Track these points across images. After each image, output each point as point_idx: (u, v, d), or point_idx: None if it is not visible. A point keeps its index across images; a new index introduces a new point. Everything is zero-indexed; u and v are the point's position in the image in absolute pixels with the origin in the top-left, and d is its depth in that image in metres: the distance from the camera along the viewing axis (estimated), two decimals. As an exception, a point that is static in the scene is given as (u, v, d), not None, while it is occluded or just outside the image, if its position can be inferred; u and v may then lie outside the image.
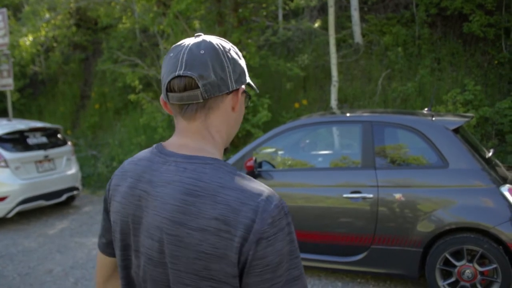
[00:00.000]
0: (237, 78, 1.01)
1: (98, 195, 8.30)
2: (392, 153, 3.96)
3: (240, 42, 8.20)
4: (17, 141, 6.47)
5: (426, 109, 4.49)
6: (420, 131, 3.72)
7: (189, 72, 0.96)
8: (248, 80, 1.08)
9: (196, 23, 9.26)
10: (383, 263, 3.79)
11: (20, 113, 12.12)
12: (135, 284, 1.06)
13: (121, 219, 1.04)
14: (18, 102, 11.97)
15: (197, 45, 0.99)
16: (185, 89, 0.97)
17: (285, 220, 0.92)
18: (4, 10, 9.38)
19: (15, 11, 11.99)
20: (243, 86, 1.05)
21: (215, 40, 1.02)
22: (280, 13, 10.79)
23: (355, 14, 9.23)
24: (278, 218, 0.90)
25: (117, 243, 1.07)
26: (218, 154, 1.03)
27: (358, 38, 9.36)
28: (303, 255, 4.05)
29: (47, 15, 9.92)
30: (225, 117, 1.04)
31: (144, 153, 1.08)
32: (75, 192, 7.10)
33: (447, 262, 3.58)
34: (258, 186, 0.95)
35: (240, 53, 1.07)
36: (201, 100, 0.98)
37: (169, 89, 0.99)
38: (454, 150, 3.61)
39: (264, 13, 8.88)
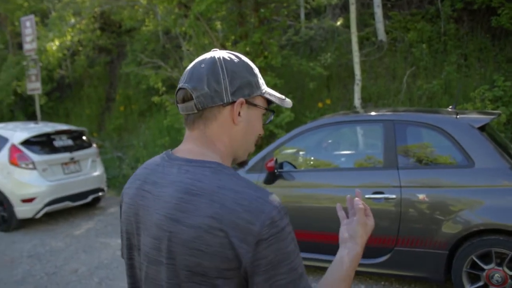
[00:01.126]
0: (234, 90, 1.04)
1: (123, 196, 8.41)
2: (415, 153, 3.86)
3: (262, 42, 8.18)
4: (44, 143, 6.62)
5: (450, 107, 4.36)
6: (444, 129, 3.62)
7: (186, 85, 1.04)
8: (262, 93, 1.09)
9: (218, 24, 9.27)
10: (407, 265, 3.70)
11: (48, 116, 12.42)
12: (140, 283, 1.11)
13: (127, 219, 1.11)
14: (46, 105, 12.26)
15: (202, 59, 1.07)
16: (183, 100, 1.05)
17: (285, 220, 0.93)
18: (32, 16, 9.63)
19: (43, 18, 12.28)
20: (241, 99, 1.05)
21: (224, 54, 1.07)
22: (302, 12, 10.72)
23: (378, 11, 9.08)
24: (277, 219, 0.91)
25: (124, 242, 1.13)
26: (220, 160, 1.06)
27: (381, 35, 9.21)
28: (323, 257, 4.00)
29: (73, 20, 10.12)
30: (226, 128, 1.06)
31: (155, 158, 1.14)
32: (100, 194, 7.22)
33: (474, 265, 3.47)
34: (257, 188, 0.96)
35: (252, 67, 1.09)
36: (196, 111, 1.04)
37: (176, 100, 1.09)
38: (480, 149, 3.49)
39: (286, 13, 8.82)
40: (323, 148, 4.85)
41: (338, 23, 9.84)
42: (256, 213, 0.90)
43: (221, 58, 1.05)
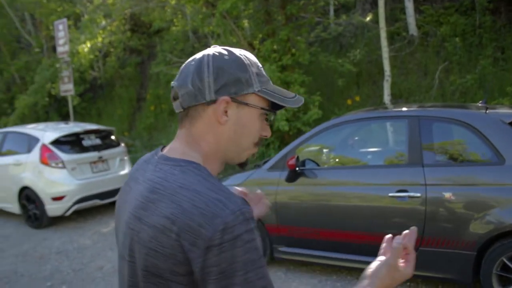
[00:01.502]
0: (218, 88, 0.97)
1: (151, 194, 8.51)
2: (441, 150, 3.69)
3: (289, 39, 8.09)
4: (73, 143, 6.76)
5: (480, 101, 4.16)
6: (472, 125, 3.44)
7: (174, 83, 1.02)
8: (255, 90, 1.00)
9: (245, 23, 9.25)
10: (433, 267, 3.54)
11: (81, 117, 12.75)
12: None
13: (115, 213, 1.13)
14: (79, 106, 12.58)
15: (195, 57, 1.03)
16: (173, 98, 1.03)
17: (243, 227, 0.85)
18: (64, 20, 9.89)
19: (76, 21, 12.61)
20: (225, 97, 0.98)
21: (216, 50, 1.02)
22: (331, 8, 10.56)
23: (409, 5, 8.82)
24: (232, 225, 0.84)
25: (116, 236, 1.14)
26: (201, 160, 1.00)
27: (413, 30, 8.94)
28: (347, 256, 3.89)
29: (103, 22, 10.33)
30: (211, 128, 1.00)
31: (147, 154, 1.13)
32: (128, 192, 7.30)
33: (505, 268, 3.28)
34: (221, 191, 0.90)
35: (244, 63, 1.00)
36: (182, 109, 1.01)
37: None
38: (511, 145, 3.30)
39: (313, 9, 8.69)
40: (349, 145, 4.73)
41: (368, 18, 9.63)
42: (211, 217, 0.84)
43: (210, 54, 1.00)
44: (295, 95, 1.07)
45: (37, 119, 12.36)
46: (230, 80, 0.98)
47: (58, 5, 12.04)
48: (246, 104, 1.00)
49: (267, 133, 1.05)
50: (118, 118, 12.34)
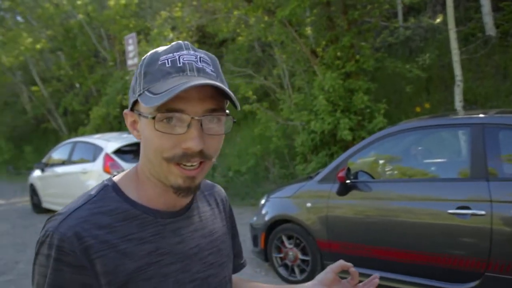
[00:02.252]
0: (131, 95, 0.88)
1: (212, 203, 8.55)
2: (510, 161, 3.26)
3: (353, 45, 7.79)
4: (135, 152, 6.98)
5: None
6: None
7: None
8: (137, 96, 0.83)
9: (308, 30, 9.06)
10: (501, 295, 3.12)
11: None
12: None
13: None
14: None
15: None
16: None
17: (41, 248, 0.81)
18: (133, 34, 10.33)
19: (146, 35, 13.17)
20: (125, 112, 0.91)
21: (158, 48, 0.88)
22: (400, 12, 10.07)
23: (485, 3, 8.16)
24: (37, 242, 0.82)
25: None
26: (134, 176, 0.93)
27: (490, 29, 8.25)
28: (401, 277, 3.55)
29: (171, 35, 10.63)
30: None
31: None
32: (187, 200, 7.38)
33: None
34: (70, 206, 0.84)
35: (139, 69, 0.85)
36: None
37: None
38: None
39: (377, 13, 8.31)
40: (412, 155, 4.37)
41: (438, 20, 9.04)
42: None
43: (149, 54, 0.89)
44: (182, 84, 0.77)
45: (110, 129, 13.03)
46: (130, 93, 0.89)
47: (130, 21, 12.64)
48: (139, 114, 0.85)
49: (187, 144, 0.80)
50: (186, 128, 12.62)
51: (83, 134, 12.29)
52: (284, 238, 4.46)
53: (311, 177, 4.52)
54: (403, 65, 8.01)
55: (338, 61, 7.81)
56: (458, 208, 3.22)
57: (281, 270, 4.49)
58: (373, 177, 4.05)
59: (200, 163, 0.84)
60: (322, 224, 4.08)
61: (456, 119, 3.60)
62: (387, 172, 4.09)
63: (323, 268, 4.17)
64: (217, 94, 0.83)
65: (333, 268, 0.96)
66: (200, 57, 0.85)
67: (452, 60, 7.55)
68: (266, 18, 8.75)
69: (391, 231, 3.62)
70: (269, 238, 4.58)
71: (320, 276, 1.03)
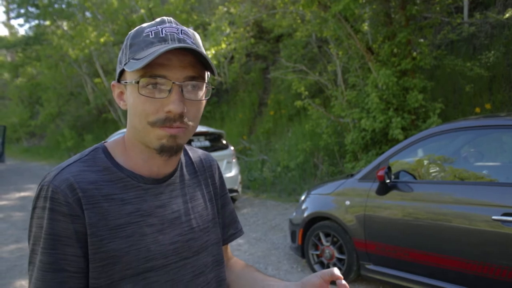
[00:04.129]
0: (118, 66, 0.97)
1: (259, 198, 8.61)
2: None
3: (410, 42, 7.52)
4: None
5: None
6: None
7: None
8: (122, 66, 0.93)
9: (365, 26, 8.85)
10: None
11: (206, 120, 13.50)
12: None
13: None
14: (205, 109, 13.34)
15: None
16: None
17: (38, 202, 0.88)
18: (191, 29, 10.56)
19: (205, 30, 13.43)
20: (112, 83, 1.00)
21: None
22: (466, 7, 9.56)
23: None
24: (35, 196, 0.89)
25: None
26: (121, 141, 1.01)
27: None
28: (440, 284, 3.41)
29: (228, 30, 10.78)
30: None
31: None
32: (234, 194, 7.48)
33: None
34: (64, 164, 0.93)
35: (125, 41, 0.96)
36: None
37: None
38: None
39: (438, 8, 7.94)
40: (462, 157, 4.16)
41: (507, 15, 8.49)
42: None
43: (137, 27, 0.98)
44: (163, 49, 0.84)
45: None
46: (117, 63, 0.97)
47: (189, 15, 12.93)
48: (125, 83, 0.94)
49: (169, 107, 0.87)
50: (240, 121, 12.78)
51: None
52: (322, 236, 4.42)
53: (352, 175, 4.44)
54: (464, 63, 7.61)
55: (394, 58, 7.57)
56: (503, 214, 3.04)
57: (317, 268, 4.45)
58: (415, 178, 3.91)
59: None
60: (359, 223, 4.00)
61: (504, 120, 3.38)
62: (432, 174, 3.93)
63: (359, 269, 4.09)
64: (197, 63, 0.90)
65: (322, 274, 0.93)
66: (181, 30, 0.93)
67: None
68: (322, 13, 8.65)
69: (429, 234, 3.48)
70: (307, 234, 4.56)
71: (306, 279, 1.00)
